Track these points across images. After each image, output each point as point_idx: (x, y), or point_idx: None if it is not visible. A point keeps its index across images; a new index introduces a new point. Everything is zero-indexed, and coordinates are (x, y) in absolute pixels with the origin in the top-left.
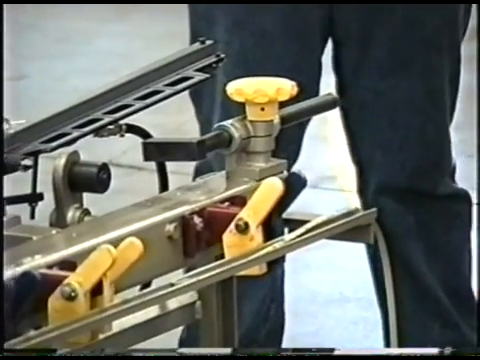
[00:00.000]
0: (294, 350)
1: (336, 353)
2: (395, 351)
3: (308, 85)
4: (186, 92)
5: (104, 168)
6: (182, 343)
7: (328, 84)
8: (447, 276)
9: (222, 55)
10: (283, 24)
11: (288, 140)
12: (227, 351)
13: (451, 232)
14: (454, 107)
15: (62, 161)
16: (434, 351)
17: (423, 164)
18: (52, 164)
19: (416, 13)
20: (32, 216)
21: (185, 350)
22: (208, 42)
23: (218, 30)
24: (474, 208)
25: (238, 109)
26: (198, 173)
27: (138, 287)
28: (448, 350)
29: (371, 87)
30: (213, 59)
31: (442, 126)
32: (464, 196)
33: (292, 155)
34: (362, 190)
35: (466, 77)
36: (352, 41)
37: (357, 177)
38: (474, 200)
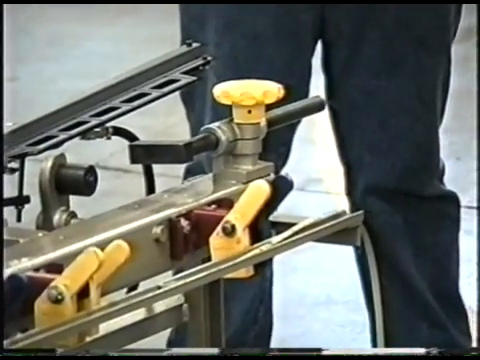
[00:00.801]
0: (280, 350)
1: (323, 353)
2: (382, 351)
3: (298, 87)
4: (174, 94)
5: (91, 171)
6: (170, 345)
7: (317, 86)
8: (435, 277)
9: (209, 57)
10: (275, 26)
11: (278, 142)
12: (215, 351)
13: (439, 233)
14: (444, 109)
15: (49, 164)
16: (421, 351)
17: (412, 165)
18: (39, 167)
19: (408, 13)
20: (18, 219)
21: (175, 350)
22: (195, 44)
23: (209, 31)
24: (474, 212)
25: (230, 111)
26: (189, 174)
27: (125, 290)
28: (435, 350)
29: (361, 87)
30: (200, 61)
31: (432, 127)
32: (452, 198)
33: (282, 157)
34: (350, 191)
35: (457, 79)
36: (343, 41)
37: (345, 177)
38: (463, 203)
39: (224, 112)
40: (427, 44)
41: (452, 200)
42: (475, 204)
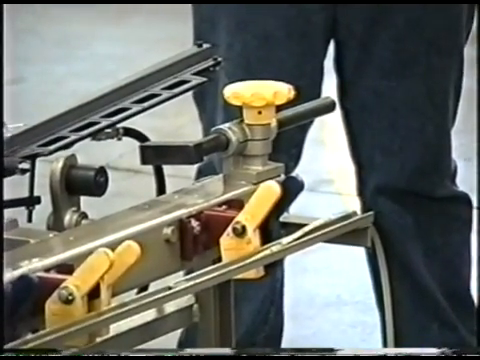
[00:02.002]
0: (293, 350)
1: (337, 354)
2: (393, 351)
3: (310, 88)
4: (184, 95)
5: (101, 171)
6: (181, 346)
7: (327, 86)
8: (446, 278)
9: (219, 58)
10: (286, 27)
11: (289, 144)
12: (228, 351)
13: (450, 234)
14: (456, 111)
15: (59, 165)
16: (433, 351)
17: (422, 166)
18: (49, 167)
19: (419, 15)
20: (29, 219)
21: (188, 350)
22: (205, 45)
23: (221, 32)
24: (474, 212)
25: (240, 112)
26: (201, 174)
27: (135, 290)
28: (448, 350)
29: (372, 87)
30: (211, 62)
31: (443, 128)
32: (464, 199)
33: (293, 158)
34: (361, 190)
35: (467, 80)
36: (355, 41)
37: (357, 177)
38: (474, 203)
39: (235, 113)
40: (438, 46)
41: (464, 201)
42: None
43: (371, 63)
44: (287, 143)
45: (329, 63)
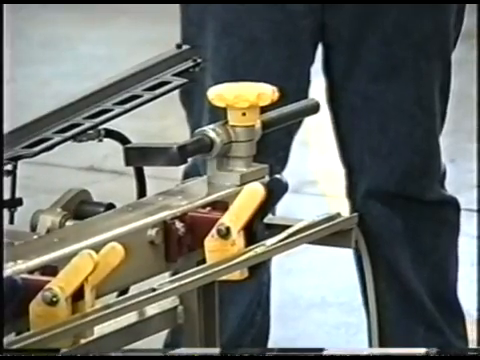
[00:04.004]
0: (280, 350)
1: (324, 353)
2: (384, 351)
3: (296, 92)
4: (169, 97)
5: (110, 208)
6: (167, 348)
7: (316, 88)
8: (433, 282)
9: (199, 60)
10: (273, 30)
11: (276, 147)
12: (215, 351)
13: (439, 238)
14: (445, 114)
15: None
16: (420, 351)
17: (412, 169)
18: (32, 168)
19: (407, 19)
20: (11, 221)
21: (178, 350)
22: (185, 46)
23: (208, 35)
24: (475, 214)
25: (225, 113)
26: (187, 177)
27: (116, 293)
28: (434, 350)
29: (361, 91)
30: (191, 64)
31: (431, 132)
32: (452, 203)
33: (280, 162)
34: (351, 193)
35: (453, 81)
36: (343, 45)
37: (346, 180)
38: (462, 205)
39: (222, 115)
40: (426, 50)
41: (452, 205)
42: (471, 206)
43: (360, 67)
44: (274, 146)
45: (317, 65)
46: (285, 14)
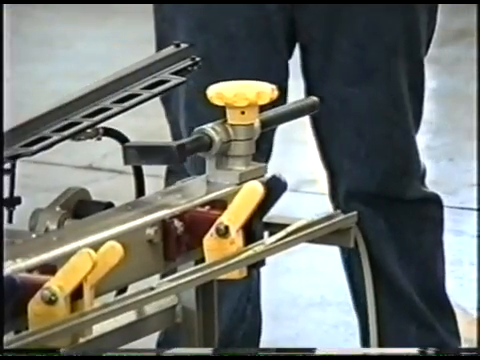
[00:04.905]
0: (277, 350)
1: (317, 353)
2: (378, 351)
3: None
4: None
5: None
6: (160, 346)
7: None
8: (421, 279)
9: (197, 58)
10: (247, 26)
11: (259, 140)
12: (209, 351)
13: (423, 235)
14: (420, 113)
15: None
16: (414, 351)
17: (392, 170)
18: (31, 167)
19: (378, 20)
20: (10, 220)
21: (173, 350)
22: (183, 45)
23: (180, 32)
24: (474, 214)
25: (203, 109)
26: (171, 174)
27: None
28: (431, 350)
29: (336, 94)
30: (188, 62)
31: (408, 132)
32: (434, 199)
33: (264, 155)
34: (334, 196)
35: (448, 80)
36: (316, 46)
37: (328, 183)
38: (455, 203)
39: (198, 110)
40: (398, 51)
41: (435, 202)
42: (470, 205)
43: (333, 70)
44: (257, 139)
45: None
46: (258, 11)
